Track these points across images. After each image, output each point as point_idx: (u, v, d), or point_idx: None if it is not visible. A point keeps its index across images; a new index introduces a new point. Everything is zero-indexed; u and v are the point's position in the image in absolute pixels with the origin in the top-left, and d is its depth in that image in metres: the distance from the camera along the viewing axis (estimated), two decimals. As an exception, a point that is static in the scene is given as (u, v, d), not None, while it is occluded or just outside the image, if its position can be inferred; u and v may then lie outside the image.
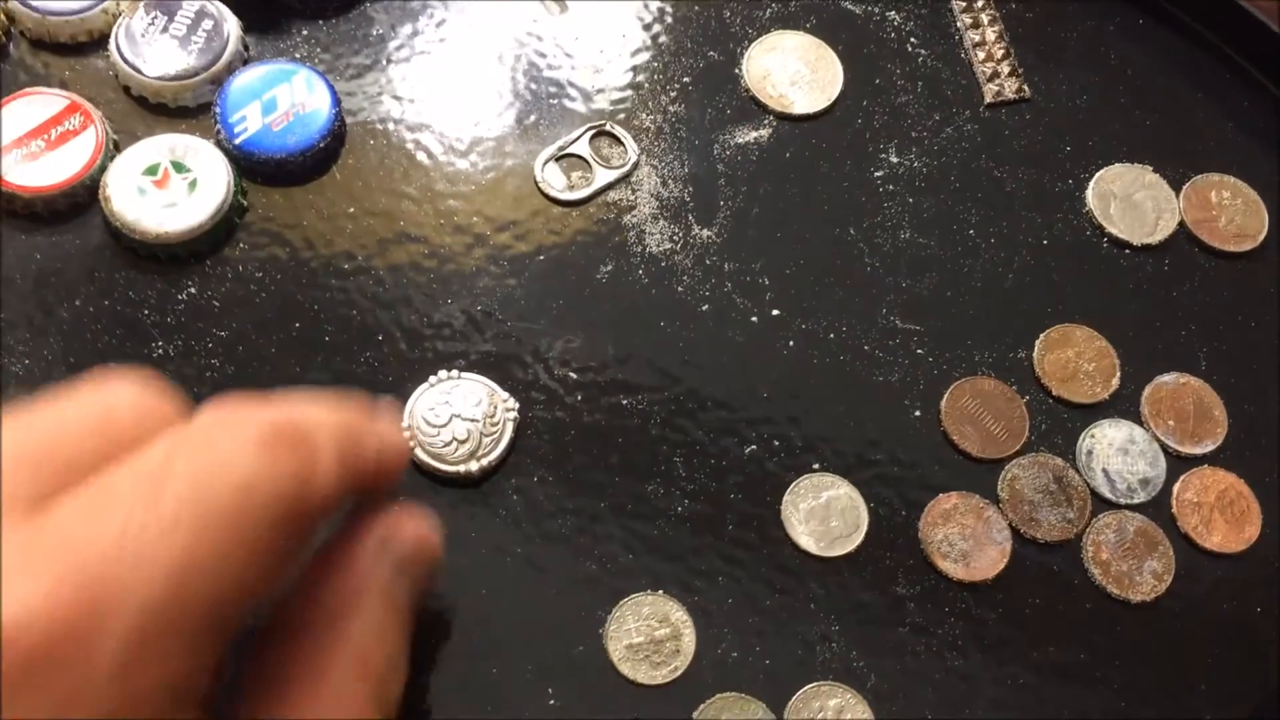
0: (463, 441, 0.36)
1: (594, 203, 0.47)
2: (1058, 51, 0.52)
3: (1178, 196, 0.49)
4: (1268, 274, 0.49)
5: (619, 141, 0.48)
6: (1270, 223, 0.49)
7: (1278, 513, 0.44)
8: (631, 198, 0.47)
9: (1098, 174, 0.49)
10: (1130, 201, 0.49)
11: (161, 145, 0.44)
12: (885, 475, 0.43)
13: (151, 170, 0.44)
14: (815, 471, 0.43)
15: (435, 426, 0.37)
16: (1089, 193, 0.49)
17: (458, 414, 0.36)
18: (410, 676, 0.30)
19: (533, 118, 0.48)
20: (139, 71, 0.45)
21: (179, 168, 0.44)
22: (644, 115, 0.49)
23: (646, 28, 0.51)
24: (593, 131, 0.48)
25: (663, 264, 0.46)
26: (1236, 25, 0.52)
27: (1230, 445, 0.45)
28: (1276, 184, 0.50)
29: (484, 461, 0.39)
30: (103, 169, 0.44)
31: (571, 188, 0.47)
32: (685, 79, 0.50)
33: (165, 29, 0.46)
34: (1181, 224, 0.49)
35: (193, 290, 0.43)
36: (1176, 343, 0.47)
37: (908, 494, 0.43)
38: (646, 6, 0.51)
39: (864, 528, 0.43)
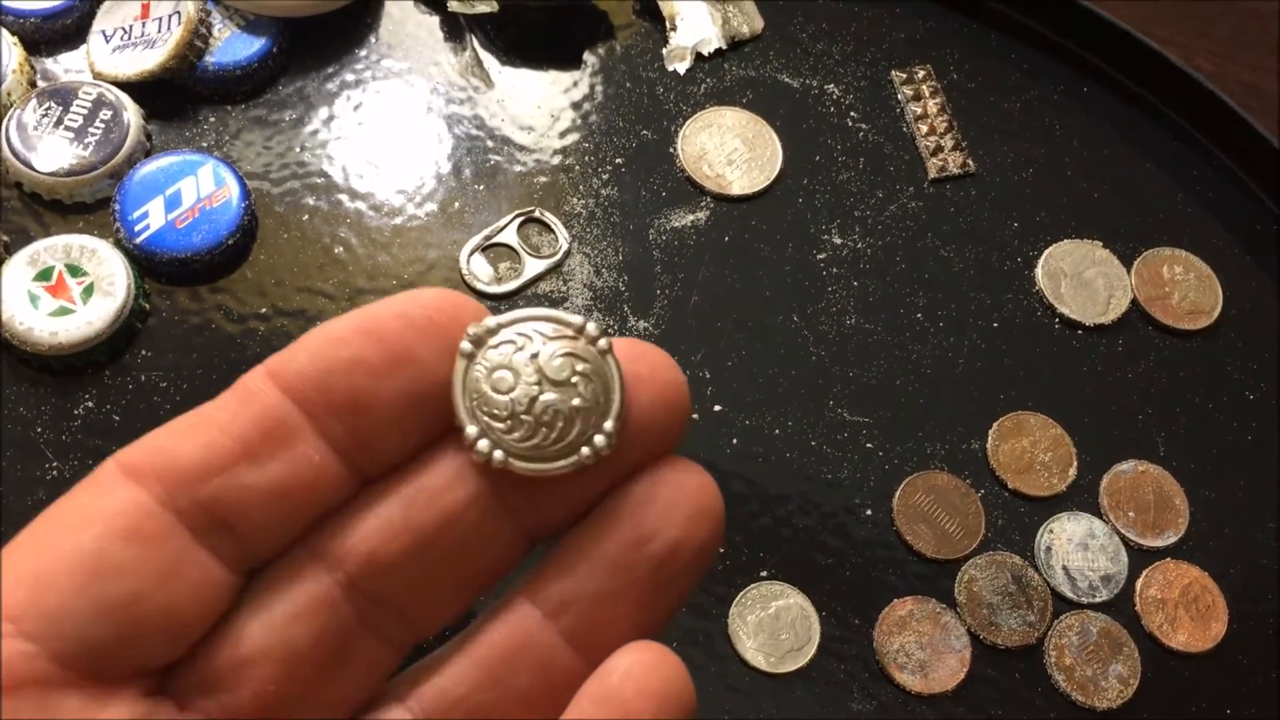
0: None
1: (524, 295, 0.44)
2: (1001, 122, 0.51)
3: (1129, 273, 0.48)
4: (1223, 352, 0.47)
5: (549, 229, 0.45)
6: (1224, 298, 0.48)
7: (1244, 606, 0.42)
8: (563, 288, 0.45)
9: (1046, 251, 0.48)
10: (1081, 279, 0.47)
11: (55, 247, 0.41)
12: (837, 581, 0.41)
13: (44, 275, 0.41)
14: (763, 580, 0.41)
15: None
16: (1038, 271, 0.47)
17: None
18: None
19: (457, 205, 0.46)
20: (31, 167, 0.42)
21: (74, 271, 0.41)
22: (575, 200, 0.46)
23: (576, 106, 0.48)
24: (521, 219, 0.45)
25: (597, 359, 0.43)
26: (1184, 92, 0.51)
27: (1193, 536, 0.43)
28: (1229, 257, 0.49)
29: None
30: (-10, 275, 0.41)
31: (499, 280, 0.44)
32: (618, 160, 0.47)
33: (60, 121, 0.43)
34: (1134, 302, 0.47)
35: (90, 404, 0.40)
36: (1133, 428, 0.45)
37: (861, 600, 0.41)
38: (576, 84, 0.49)
39: (816, 640, 0.40)
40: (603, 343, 0.20)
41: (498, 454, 0.19)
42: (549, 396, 0.19)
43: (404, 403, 0.19)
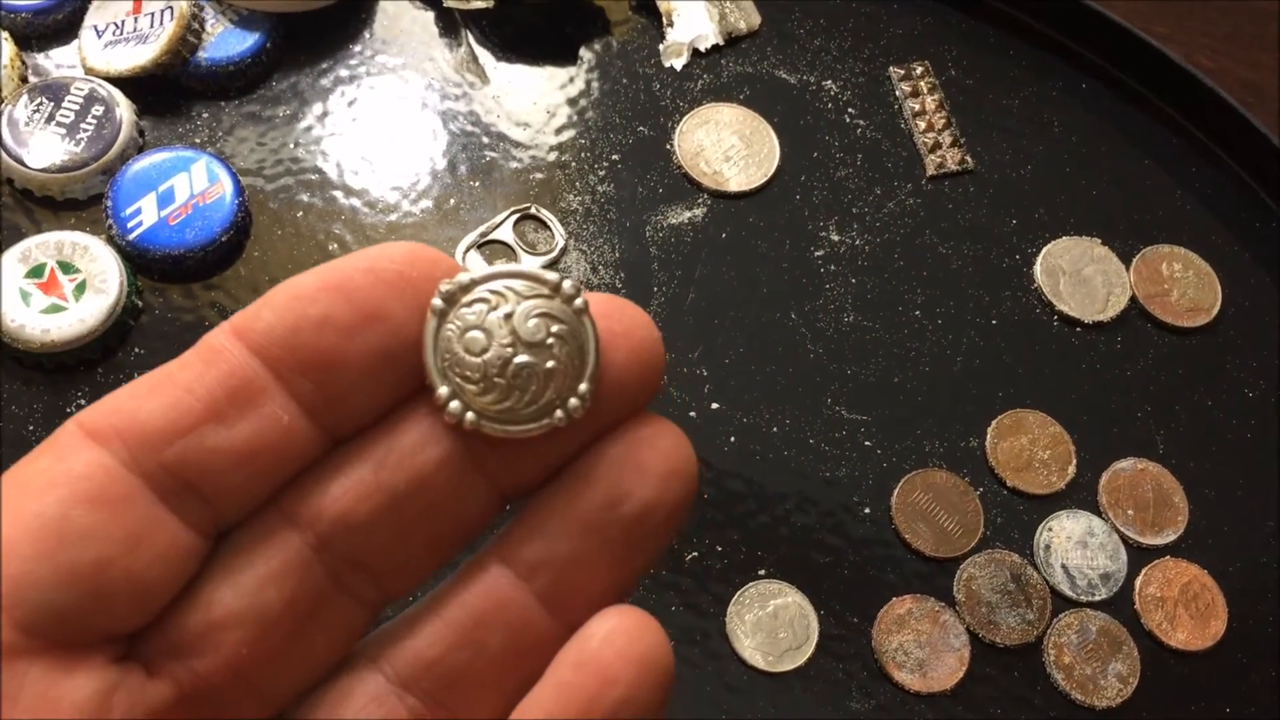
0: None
1: (520, 292, 0.44)
2: (1000, 119, 0.50)
3: (1128, 270, 0.48)
4: (1222, 349, 0.47)
5: (545, 225, 0.45)
6: (1223, 295, 0.48)
7: (1243, 605, 0.42)
8: (559, 286, 0.44)
9: (1045, 248, 0.48)
10: (1079, 276, 0.47)
11: (47, 244, 0.41)
12: (835, 579, 0.41)
13: (36, 272, 0.40)
14: (761, 578, 0.40)
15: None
16: (1037, 268, 0.47)
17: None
18: None
19: (453, 201, 0.45)
20: (22, 163, 0.42)
21: (66, 268, 0.40)
22: (571, 196, 0.46)
23: (572, 103, 0.48)
24: (517, 215, 0.45)
25: (594, 357, 0.43)
26: (1183, 89, 0.50)
27: (1192, 534, 0.43)
28: (1228, 254, 0.49)
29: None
30: (-19, 272, 0.40)
31: (495, 277, 0.44)
32: (614, 157, 0.47)
33: (51, 116, 0.43)
34: (1133, 299, 0.47)
35: (83, 402, 0.40)
36: (1132, 425, 0.45)
37: (859, 599, 0.41)
38: (572, 80, 0.49)
39: (814, 638, 0.40)
40: (579, 301, 0.19)
41: (469, 416, 0.19)
42: (523, 359, 0.19)
43: (374, 361, 0.18)
